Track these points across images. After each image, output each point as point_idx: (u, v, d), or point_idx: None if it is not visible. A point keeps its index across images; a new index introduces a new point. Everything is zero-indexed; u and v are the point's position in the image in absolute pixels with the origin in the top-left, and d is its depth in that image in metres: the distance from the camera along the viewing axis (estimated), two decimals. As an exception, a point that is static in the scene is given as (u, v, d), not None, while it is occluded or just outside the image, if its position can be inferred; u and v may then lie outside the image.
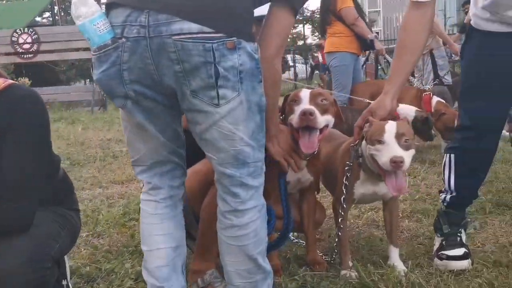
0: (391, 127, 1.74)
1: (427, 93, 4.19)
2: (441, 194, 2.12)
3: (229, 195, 1.39)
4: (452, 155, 2.02)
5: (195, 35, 1.25)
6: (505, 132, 2.89)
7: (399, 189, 1.74)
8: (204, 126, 1.34)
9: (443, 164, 2.07)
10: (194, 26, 1.25)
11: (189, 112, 1.36)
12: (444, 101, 4.22)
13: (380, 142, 1.72)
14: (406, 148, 1.71)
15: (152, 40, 1.27)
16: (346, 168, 1.90)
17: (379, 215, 2.62)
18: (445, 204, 2.08)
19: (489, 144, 1.95)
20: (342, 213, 1.94)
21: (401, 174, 1.75)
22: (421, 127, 3.70)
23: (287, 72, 17.33)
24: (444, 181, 2.08)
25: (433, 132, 3.96)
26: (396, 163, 1.67)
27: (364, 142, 1.83)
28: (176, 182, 1.55)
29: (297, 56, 20.99)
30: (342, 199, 1.93)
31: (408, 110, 3.75)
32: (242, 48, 1.28)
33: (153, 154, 1.49)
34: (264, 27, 1.51)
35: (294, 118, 1.74)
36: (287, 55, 18.53)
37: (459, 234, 2.05)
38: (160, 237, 1.51)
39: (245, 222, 1.38)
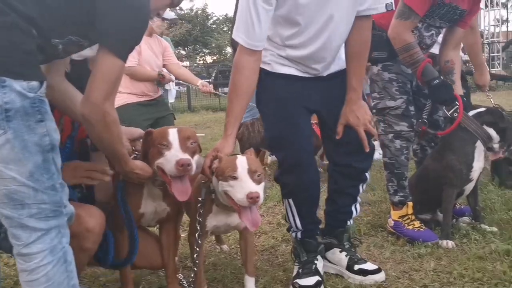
0: (242, 162, 1.75)
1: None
2: (290, 232, 2.18)
3: (12, 238, 1.35)
4: (290, 200, 2.10)
5: None
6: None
7: (255, 224, 1.76)
8: None
9: (285, 209, 2.15)
10: None
11: None
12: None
13: (234, 178, 1.73)
14: (259, 182, 1.74)
15: None
16: (198, 205, 1.90)
17: (257, 241, 2.66)
18: (298, 239, 2.14)
19: (314, 176, 2.06)
20: (197, 248, 1.94)
21: (256, 208, 1.77)
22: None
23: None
24: (290, 223, 2.15)
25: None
26: (253, 198, 1.68)
27: (215, 178, 1.84)
28: None
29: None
30: (196, 234, 1.93)
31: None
32: (7, 87, 1.25)
33: None
34: (92, 70, 1.48)
35: (167, 166, 1.72)
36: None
37: (315, 262, 2.10)
38: None
39: (33, 267, 1.33)
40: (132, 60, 3.87)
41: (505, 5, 46.98)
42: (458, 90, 2.62)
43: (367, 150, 2.04)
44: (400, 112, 2.60)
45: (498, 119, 2.52)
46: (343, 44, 2.04)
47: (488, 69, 5.30)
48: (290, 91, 2.01)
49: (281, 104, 2.01)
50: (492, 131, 2.52)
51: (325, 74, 2.06)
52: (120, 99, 3.97)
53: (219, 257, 2.49)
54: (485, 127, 2.51)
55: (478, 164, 2.54)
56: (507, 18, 48.14)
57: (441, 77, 2.50)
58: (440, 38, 2.74)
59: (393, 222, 2.63)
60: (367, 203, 3.29)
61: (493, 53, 20.28)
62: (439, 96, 2.50)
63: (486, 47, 20.90)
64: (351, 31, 1.99)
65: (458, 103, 2.49)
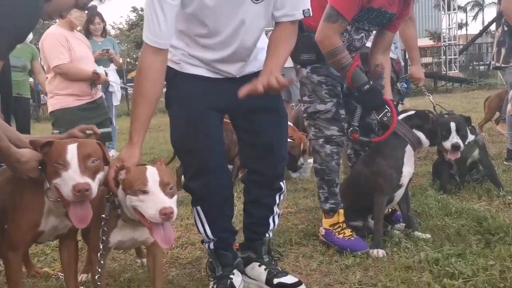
0: (153, 174, 1.59)
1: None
2: (203, 243, 2.04)
3: None
4: (198, 207, 1.96)
5: None
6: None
7: (168, 241, 1.60)
8: None
9: (194, 218, 2.01)
10: None
11: None
12: (292, 125, 4.22)
13: (144, 192, 1.57)
14: (172, 195, 1.59)
15: None
16: (101, 221, 1.71)
17: (183, 253, 2.50)
18: (212, 250, 1.99)
19: (223, 179, 1.93)
20: (99, 269, 1.75)
21: (169, 224, 1.61)
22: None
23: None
24: (201, 233, 2.01)
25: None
26: (167, 214, 1.53)
27: (121, 191, 1.66)
28: None
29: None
30: (98, 253, 1.74)
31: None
32: None
33: None
34: None
35: (64, 189, 1.53)
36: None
37: (231, 276, 1.96)
38: None
39: None
40: (62, 57, 3.66)
41: (464, 9, 48.54)
42: (388, 94, 2.56)
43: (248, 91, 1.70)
44: (330, 116, 2.50)
45: (426, 121, 2.45)
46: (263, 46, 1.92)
47: (446, 72, 5.33)
48: (196, 91, 1.88)
49: (185, 104, 1.88)
50: (421, 135, 2.45)
51: (238, 76, 1.93)
52: (58, 102, 3.76)
53: (137, 272, 2.31)
54: (414, 130, 2.44)
55: (407, 169, 2.46)
56: (466, 22, 49.73)
57: (371, 82, 2.42)
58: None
59: (324, 230, 2.52)
60: (305, 210, 3.18)
61: (451, 56, 20.77)
62: (369, 102, 2.43)
63: (444, 50, 21.43)
64: (272, 32, 1.88)
65: (388, 108, 2.42)
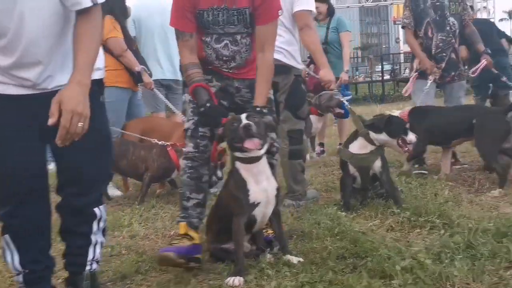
0: None
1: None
2: (14, 279, 1.91)
3: None
4: (7, 236, 1.83)
5: None
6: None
7: None
8: None
9: (1, 250, 1.89)
10: None
11: None
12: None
13: None
14: None
15: None
16: None
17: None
18: (22, 284, 1.87)
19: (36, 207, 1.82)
20: None
21: None
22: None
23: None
24: (8, 266, 1.88)
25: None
26: None
27: None
28: None
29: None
30: None
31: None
32: None
33: None
34: None
35: None
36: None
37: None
38: None
39: None
40: None
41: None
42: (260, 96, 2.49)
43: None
44: (189, 133, 2.52)
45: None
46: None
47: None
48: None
49: None
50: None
51: (49, 87, 1.79)
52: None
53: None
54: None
55: (257, 186, 2.30)
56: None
57: (208, 105, 2.37)
58: None
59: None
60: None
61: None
62: (205, 121, 2.43)
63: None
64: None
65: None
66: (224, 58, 2.51)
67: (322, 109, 5.08)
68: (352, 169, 3.25)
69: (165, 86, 4.76)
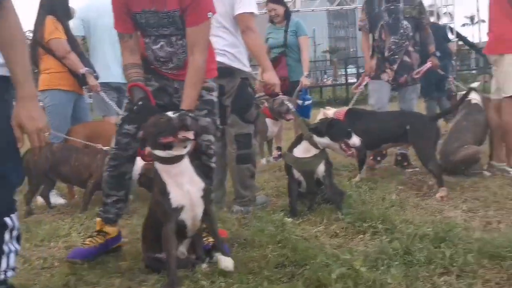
0: None
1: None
2: None
3: None
4: None
5: None
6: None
7: None
8: None
9: None
10: None
11: None
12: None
13: None
14: None
15: None
16: None
17: None
18: None
19: None
20: None
21: None
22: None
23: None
24: None
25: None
26: None
27: None
28: None
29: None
30: None
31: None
32: None
33: None
34: None
35: None
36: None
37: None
38: None
39: None
40: None
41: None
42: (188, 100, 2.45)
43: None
44: (116, 131, 2.57)
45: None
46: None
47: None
48: None
49: None
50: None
51: None
52: None
53: None
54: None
55: (179, 189, 2.17)
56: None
57: (140, 103, 2.37)
58: None
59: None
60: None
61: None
62: (135, 119, 2.42)
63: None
64: None
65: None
66: (162, 59, 2.51)
67: (274, 113, 5.04)
68: (296, 174, 3.20)
69: (116, 88, 4.62)
